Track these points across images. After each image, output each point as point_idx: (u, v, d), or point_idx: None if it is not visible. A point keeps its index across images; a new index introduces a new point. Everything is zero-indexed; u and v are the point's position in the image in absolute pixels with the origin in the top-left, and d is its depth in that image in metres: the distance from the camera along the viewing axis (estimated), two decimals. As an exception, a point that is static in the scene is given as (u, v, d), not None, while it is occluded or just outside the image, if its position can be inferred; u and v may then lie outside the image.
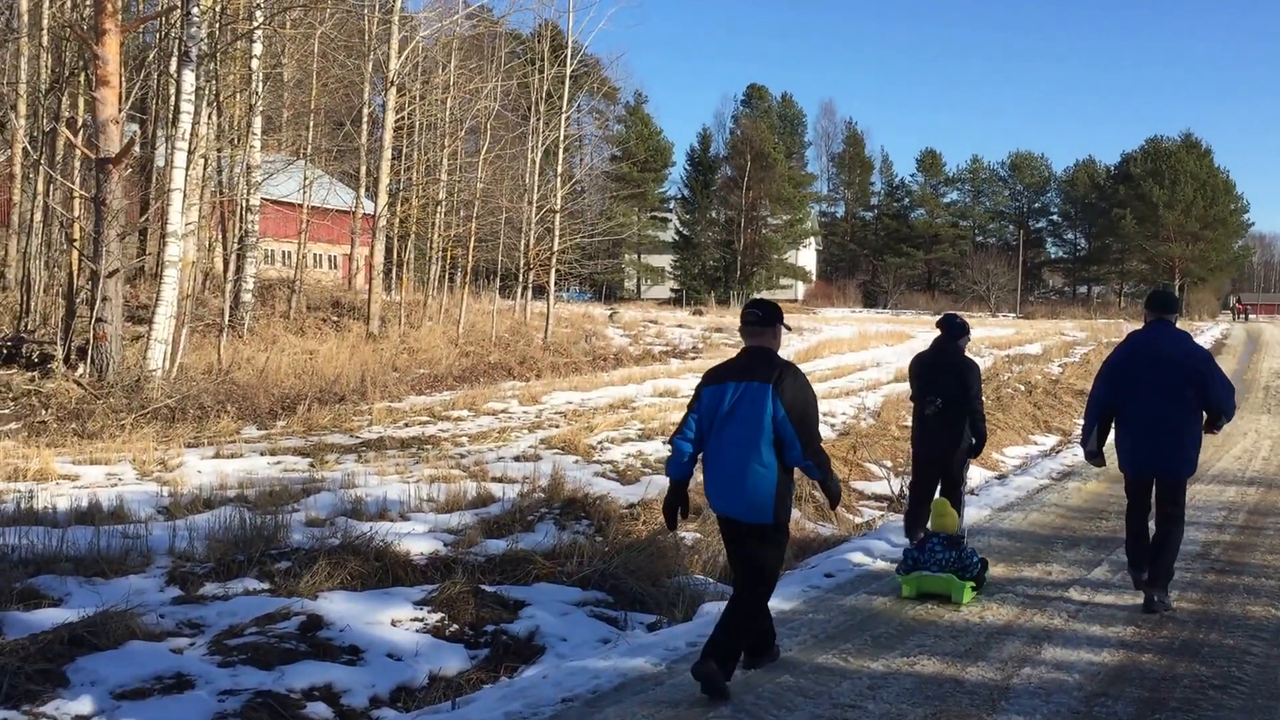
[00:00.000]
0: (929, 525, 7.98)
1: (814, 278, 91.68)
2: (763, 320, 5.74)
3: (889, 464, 13.98)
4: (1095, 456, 7.66)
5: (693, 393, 5.77)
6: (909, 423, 16.17)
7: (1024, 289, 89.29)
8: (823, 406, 17.84)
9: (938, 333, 8.92)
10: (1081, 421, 19.31)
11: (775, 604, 6.99)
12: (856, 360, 28.18)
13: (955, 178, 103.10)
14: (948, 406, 8.52)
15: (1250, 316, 71.47)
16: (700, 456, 5.63)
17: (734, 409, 5.44)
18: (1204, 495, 11.72)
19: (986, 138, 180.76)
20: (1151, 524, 7.48)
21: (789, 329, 6.02)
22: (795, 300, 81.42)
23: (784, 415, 5.34)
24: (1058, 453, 15.42)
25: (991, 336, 36.87)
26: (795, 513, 10.89)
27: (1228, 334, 46.26)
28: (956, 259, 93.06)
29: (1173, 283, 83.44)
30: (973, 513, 10.48)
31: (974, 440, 8.61)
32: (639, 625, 7.02)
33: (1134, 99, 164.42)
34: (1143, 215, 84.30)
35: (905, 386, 20.33)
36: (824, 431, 15.70)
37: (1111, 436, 7.61)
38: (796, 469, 5.50)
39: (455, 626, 6.59)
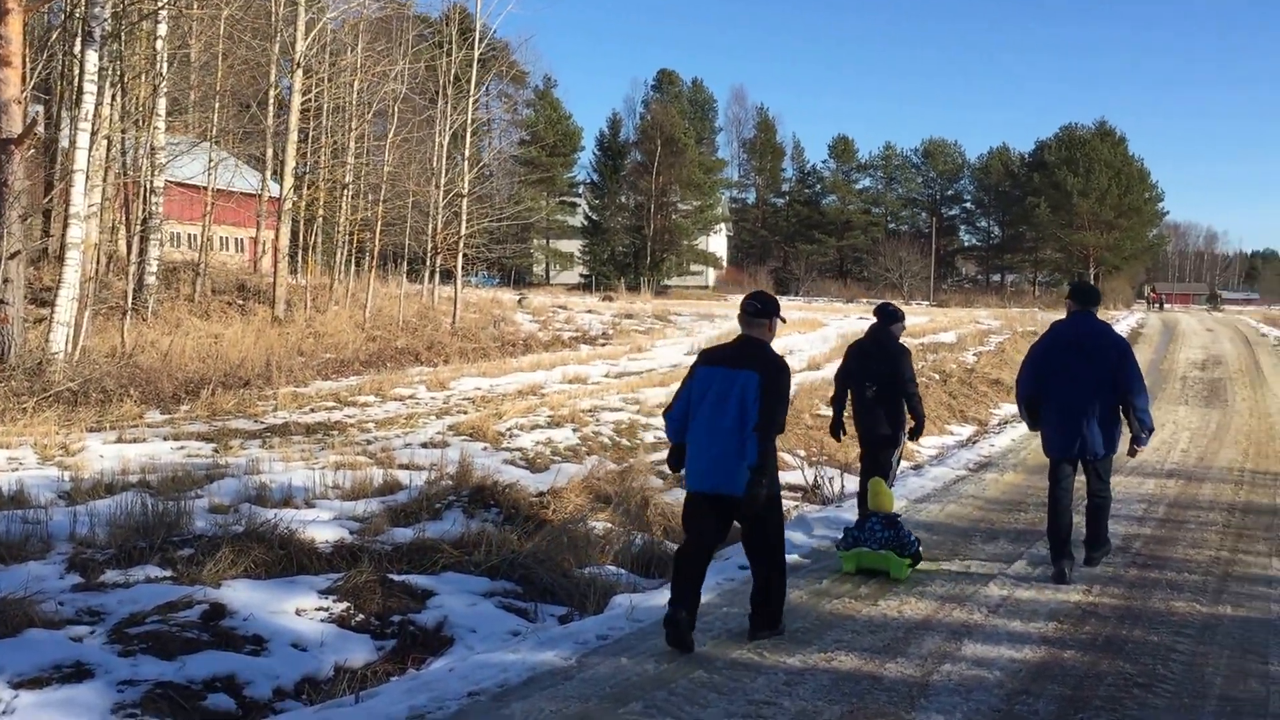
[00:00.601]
0: (867, 505, 8.40)
1: (725, 264, 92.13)
2: (760, 312, 6.29)
3: (803, 453, 14.09)
4: (1036, 428, 8.30)
5: (688, 370, 6.33)
6: (825, 411, 16.36)
7: (937, 277, 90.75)
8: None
9: (868, 321, 9.26)
10: (997, 411, 19.82)
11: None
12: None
13: (868, 164, 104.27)
14: (882, 391, 9.04)
15: (1165, 306, 73.27)
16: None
17: (725, 394, 5.95)
18: (1124, 487, 11.60)
19: (899, 124, 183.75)
20: (1076, 511, 8.03)
21: (784, 321, 6.53)
22: (706, 287, 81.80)
23: (756, 402, 5.84)
24: (974, 443, 15.49)
25: (906, 325, 37.32)
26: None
27: (1143, 323, 46.70)
28: (869, 246, 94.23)
29: (1088, 271, 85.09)
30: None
31: (914, 422, 9.16)
32: (550, 617, 6.98)
33: (1048, 86, 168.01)
34: (1057, 203, 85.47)
35: (820, 375, 20.83)
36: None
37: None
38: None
39: (361, 616, 6.51)
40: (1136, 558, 8.70)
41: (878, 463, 9.14)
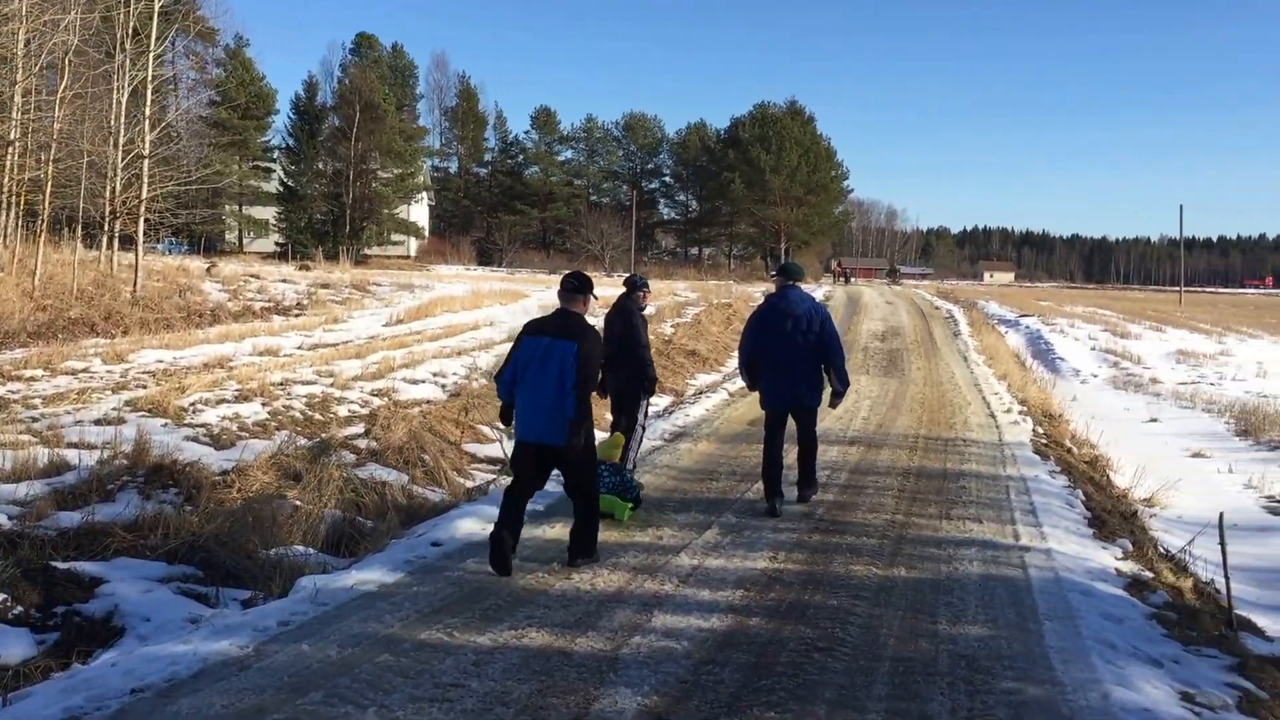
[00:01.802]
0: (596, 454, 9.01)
1: (427, 234, 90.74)
2: (577, 289, 7.43)
3: (502, 426, 14.09)
4: (755, 386, 9.69)
5: (515, 340, 7.38)
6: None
7: (638, 249, 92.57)
8: (433, 366, 17.79)
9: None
10: (693, 382, 20.45)
11: (376, 576, 6.87)
12: (470, 319, 28.23)
13: (570, 136, 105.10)
14: (619, 353, 10.14)
15: (851, 279, 77.47)
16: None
17: (547, 360, 7.05)
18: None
19: (601, 97, 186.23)
20: (787, 456, 9.43)
21: (596, 299, 7.63)
22: (408, 256, 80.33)
23: (574, 368, 6.97)
24: (670, 414, 15.77)
25: (605, 297, 37.90)
26: (404, 478, 10.77)
27: (830, 296, 48.89)
28: (571, 218, 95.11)
29: (779, 245, 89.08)
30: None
31: (645, 382, 10.23)
32: (233, 602, 6.66)
33: (744, 64, 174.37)
34: (751, 179, 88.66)
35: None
36: (435, 393, 15.63)
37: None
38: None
39: (20, 609, 6.02)
40: (820, 523, 8.99)
41: (630, 417, 10.28)
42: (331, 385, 14.93)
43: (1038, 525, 9.14)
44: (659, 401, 19.22)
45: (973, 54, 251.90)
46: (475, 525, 8.40)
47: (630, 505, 8.86)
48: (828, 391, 9.62)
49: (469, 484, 11.39)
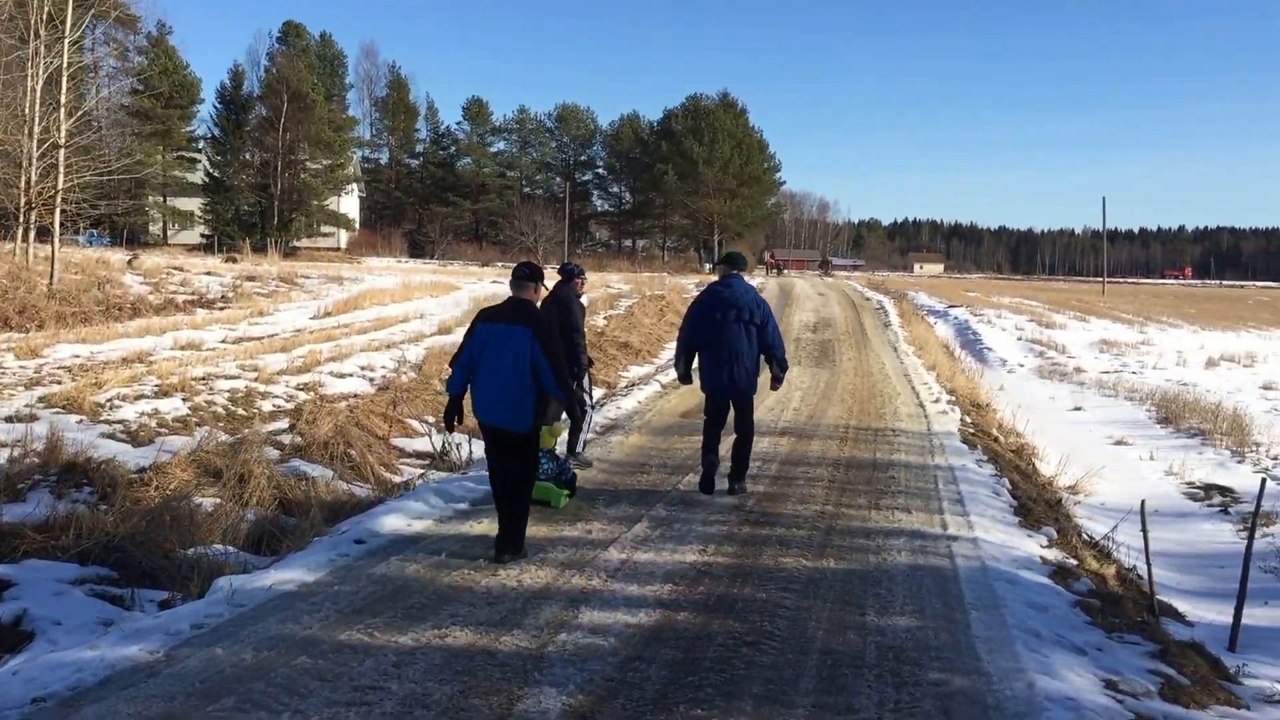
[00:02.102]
0: None
1: (358, 226, 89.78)
2: (528, 277, 7.66)
3: (431, 419, 13.89)
4: (685, 379, 9.96)
5: (468, 328, 7.56)
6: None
7: (571, 241, 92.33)
8: (361, 360, 17.52)
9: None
10: (626, 374, 20.38)
11: (297, 575, 6.70)
12: (399, 312, 27.89)
13: (502, 128, 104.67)
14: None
15: (784, 271, 77.81)
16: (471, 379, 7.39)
17: (501, 346, 7.24)
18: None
19: (534, 89, 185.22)
20: (724, 440, 9.64)
21: (547, 288, 8.02)
22: (338, 249, 79.43)
23: (540, 354, 7.18)
24: (602, 406, 15.65)
25: (585, 280, 37.56)
26: (329, 474, 10.57)
27: (763, 287, 48.82)
28: (504, 210, 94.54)
29: (712, 237, 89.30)
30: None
31: (576, 367, 10.36)
32: (150, 604, 6.44)
33: (677, 56, 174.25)
34: (684, 171, 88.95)
35: (451, 339, 20.64)
36: (363, 387, 15.40)
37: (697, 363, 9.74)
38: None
39: (-79, 616, 5.77)
40: (750, 515, 8.93)
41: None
42: (256, 379, 14.63)
43: (965, 514, 9.18)
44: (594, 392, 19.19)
45: (901, 51, 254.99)
46: (400, 522, 8.24)
47: (566, 493, 8.99)
48: (766, 375, 9.88)
49: (396, 479, 11.21)
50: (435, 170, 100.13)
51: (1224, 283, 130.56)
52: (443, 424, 7.81)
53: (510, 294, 7.70)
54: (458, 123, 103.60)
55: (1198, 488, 13.56)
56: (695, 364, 9.84)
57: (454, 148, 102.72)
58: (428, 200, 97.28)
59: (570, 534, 8.10)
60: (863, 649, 5.79)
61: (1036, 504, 10.31)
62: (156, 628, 5.62)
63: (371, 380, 15.96)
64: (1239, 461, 14.88)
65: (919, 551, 7.92)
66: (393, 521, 8.23)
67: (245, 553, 7.84)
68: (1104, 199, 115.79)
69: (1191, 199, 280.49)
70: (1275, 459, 14.76)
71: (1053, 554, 8.38)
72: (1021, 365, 26.87)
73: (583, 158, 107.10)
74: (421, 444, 12.81)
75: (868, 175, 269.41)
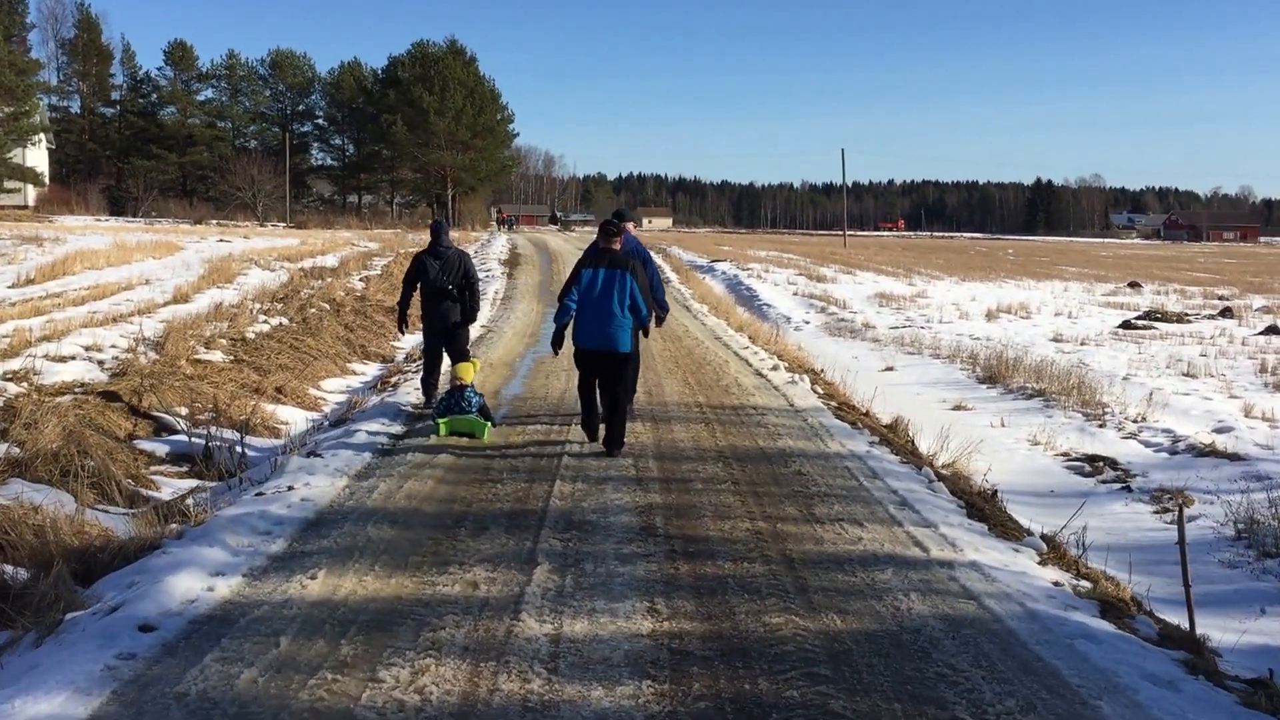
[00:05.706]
0: (460, 379, 9.97)
1: (48, 181, 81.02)
2: (615, 233, 9.50)
3: (185, 412, 11.02)
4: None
5: (573, 271, 9.56)
6: (202, 355, 13.35)
7: (292, 197, 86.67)
8: (84, 338, 14.07)
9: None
10: (400, 344, 17.94)
11: (55, 710, 4.09)
12: (120, 277, 23.91)
13: (210, 74, 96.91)
14: (462, 291, 11.38)
15: (514, 227, 75.35)
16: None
17: (605, 284, 9.13)
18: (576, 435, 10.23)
19: (244, 33, 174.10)
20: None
21: (620, 233, 9.67)
22: (26, 207, 71.27)
23: (636, 290, 9.19)
24: (382, 394, 13.01)
25: (277, 248, 34.03)
26: (67, 499, 7.72)
27: (514, 244, 47.01)
28: (216, 163, 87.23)
29: (445, 192, 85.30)
30: (324, 482, 8.02)
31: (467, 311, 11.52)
32: None
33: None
34: (413, 122, 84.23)
35: (192, 308, 17.59)
36: (91, 373, 12.17)
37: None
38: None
39: None
40: (672, 542, 6.81)
41: (457, 342, 11.43)
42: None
43: (929, 524, 7.36)
44: (366, 369, 16.57)
45: (613, 4, 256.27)
46: (195, 582, 5.73)
47: (489, 425, 9.74)
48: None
49: (158, 495, 8.75)
50: (135, 120, 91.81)
51: (935, 234, 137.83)
52: (552, 349, 9.61)
53: (598, 243, 9.59)
54: (159, 68, 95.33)
55: (1077, 459, 12.30)
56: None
57: (155, 95, 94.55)
58: (127, 153, 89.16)
59: (449, 591, 5.69)
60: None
61: (977, 499, 8.65)
62: None
63: (102, 364, 12.73)
64: (1099, 426, 13.81)
65: (928, 591, 5.97)
66: (184, 583, 5.67)
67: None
68: (843, 151, 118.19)
69: (900, 154, 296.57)
70: (1136, 422, 13.79)
71: (1064, 577, 6.64)
72: (807, 323, 25.81)
73: (300, 107, 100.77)
74: (178, 444, 10.08)
75: (593, 130, 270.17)
